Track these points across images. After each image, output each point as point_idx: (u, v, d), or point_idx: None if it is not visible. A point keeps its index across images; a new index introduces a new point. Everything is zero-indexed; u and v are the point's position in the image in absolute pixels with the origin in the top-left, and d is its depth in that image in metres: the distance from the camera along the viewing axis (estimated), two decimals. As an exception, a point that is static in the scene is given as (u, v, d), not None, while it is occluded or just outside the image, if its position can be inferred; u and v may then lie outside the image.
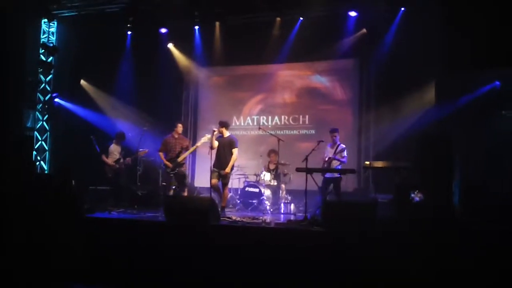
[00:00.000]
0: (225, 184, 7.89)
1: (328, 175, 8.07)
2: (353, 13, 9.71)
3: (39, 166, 10.60)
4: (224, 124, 8.03)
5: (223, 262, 5.51)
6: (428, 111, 8.97)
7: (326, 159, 8.13)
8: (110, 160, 8.77)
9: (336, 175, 7.97)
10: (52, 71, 10.90)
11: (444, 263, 4.82)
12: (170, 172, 8.21)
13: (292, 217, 7.56)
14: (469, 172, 7.18)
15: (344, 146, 8.23)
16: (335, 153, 8.04)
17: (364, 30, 9.99)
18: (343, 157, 8.08)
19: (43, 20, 10.81)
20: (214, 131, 7.86)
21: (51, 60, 10.90)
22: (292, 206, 8.77)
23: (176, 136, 8.51)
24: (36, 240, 3.91)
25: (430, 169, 6.00)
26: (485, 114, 8.16)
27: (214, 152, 7.87)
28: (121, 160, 8.78)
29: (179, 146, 8.37)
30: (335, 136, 8.26)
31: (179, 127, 8.57)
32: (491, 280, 4.65)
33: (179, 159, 8.27)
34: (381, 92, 9.85)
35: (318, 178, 7.82)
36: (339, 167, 8.07)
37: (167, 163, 8.26)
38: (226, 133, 8.00)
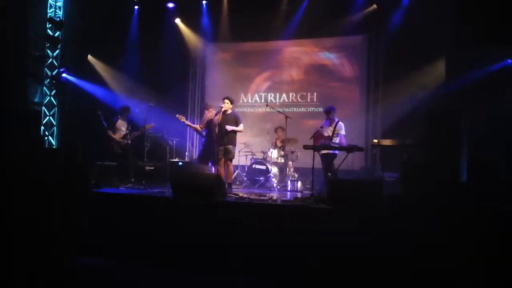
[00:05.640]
0: (229, 160, 7.92)
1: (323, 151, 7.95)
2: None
3: (47, 141, 10.64)
4: (231, 100, 8.07)
5: (229, 238, 5.55)
6: (437, 88, 8.88)
7: (324, 138, 8.00)
8: (117, 136, 8.77)
9: (331, 151, 7.86)
10: (59, 46, 10.84)
11: (451, 242, 4.81)
12: None
13: (298, 195, 7.58)
14: (478, 150, 7.12)
15: (342, 123, 8.02)
16: (333, 131, 7.93)
17: (375, 6, 9.84)
18: (342, 135, 7.94)
19: (49, -6, 10.72)
20: (222, 107, 7.90)
21: (58, 35, 10.82)
22: (299, 183, 8.78)
23: None
24: (42, 215, 3.95)
25: (438, 146, 5.94)
26: (495, 91, 8.04)
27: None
28: (128, 136, 8.78)
29: None
30: (332, 116, 8.07)
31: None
32: (496, 258, 4.64)
33: None
34: (390, 69, 9.75)
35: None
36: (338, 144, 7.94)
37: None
38: (229, 110, 8.02)
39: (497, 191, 5.62)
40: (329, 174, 7.65)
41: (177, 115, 8.53)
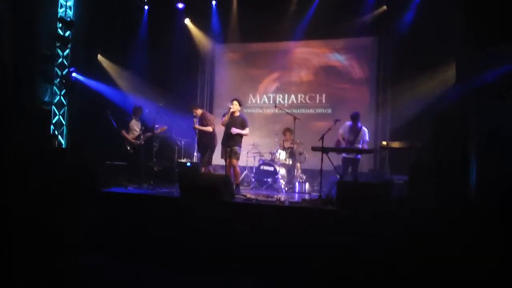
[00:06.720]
0: (236, 159, 7.90)
1: (346, 155, 8.00)
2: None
3: (56, 140, 10.69)
4: (240, 102, 8.05)
5: (237, 239, 5.55)
6: (447, 90, 8.79)
7: (343, 140, 8.05)
8: (130, 136, 8.77)
9: (356, 156, 7.93)
10: (69, 46, 10.90)
11: (459, 243, 4.77)
12: None
13: (306, 196, 7.55)
14: (487, 151, 7.04)
15: (365, 129, 8.15)
16: (357, 137, 7.96)
17: (385, 7, 9.80)
18: (365, 141, 8.05)
19: (60, -6, 10.79)
20: (230, 108, 7.87)
21: (69, 35, 10.88)
22: (307, 185, 8.74)
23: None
24: (46, 213, 3.96)
25: (447, 148, 5.90)
26: (506, 92, 7.95)
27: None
28: (142, 136, 8.78)
29: None
30: (358, 120, 8.13)
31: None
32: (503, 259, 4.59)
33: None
34: (399, 71, 9.68)
35: (333, 157, 7.77)
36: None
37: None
38: (237, 112, 7.97)
39: (506, 193, 5.57)
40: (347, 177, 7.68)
41: (194, 120, 8.50)
